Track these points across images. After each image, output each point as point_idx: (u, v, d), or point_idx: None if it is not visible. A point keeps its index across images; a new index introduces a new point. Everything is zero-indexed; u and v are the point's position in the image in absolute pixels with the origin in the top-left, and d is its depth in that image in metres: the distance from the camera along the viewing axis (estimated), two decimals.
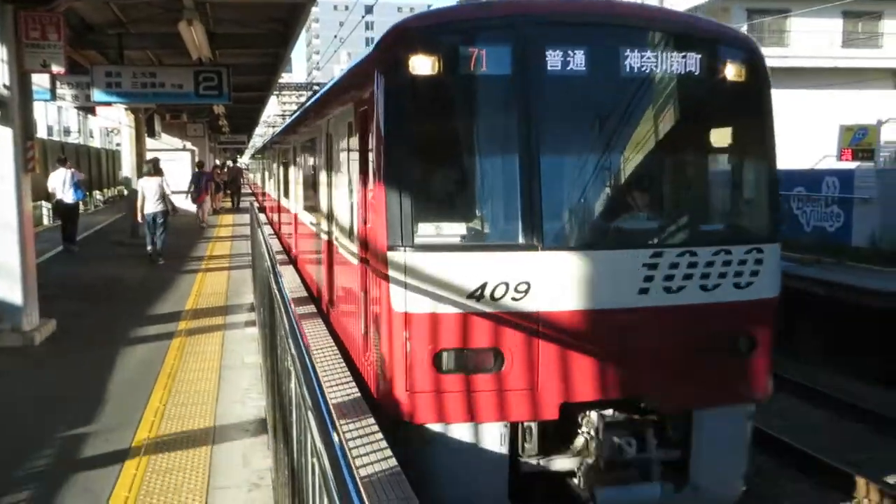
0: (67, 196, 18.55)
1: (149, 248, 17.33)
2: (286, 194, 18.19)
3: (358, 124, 7.34)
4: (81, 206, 22.21)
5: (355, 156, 7.56)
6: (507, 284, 5.91)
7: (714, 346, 6.41)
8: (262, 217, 14.51)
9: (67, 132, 53.99)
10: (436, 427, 6.08)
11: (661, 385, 6.31)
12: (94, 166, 39.14)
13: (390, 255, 6.00)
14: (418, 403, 6.07)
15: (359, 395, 7.52)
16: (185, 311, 11.95)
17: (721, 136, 7.11)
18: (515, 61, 6.14)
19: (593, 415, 6.20)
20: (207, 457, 6.14)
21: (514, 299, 5.93)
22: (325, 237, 10.25)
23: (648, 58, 6.29)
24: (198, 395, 7.72)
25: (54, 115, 51.03)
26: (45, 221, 25.21)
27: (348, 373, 8.62)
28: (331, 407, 2.02)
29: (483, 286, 5.90)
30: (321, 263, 10.78)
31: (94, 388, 7.92)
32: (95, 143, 55.18)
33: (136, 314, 11.65)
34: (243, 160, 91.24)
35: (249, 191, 49.65)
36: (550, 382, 6.05)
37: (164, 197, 17.10)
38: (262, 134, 75.71)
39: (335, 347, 9.77)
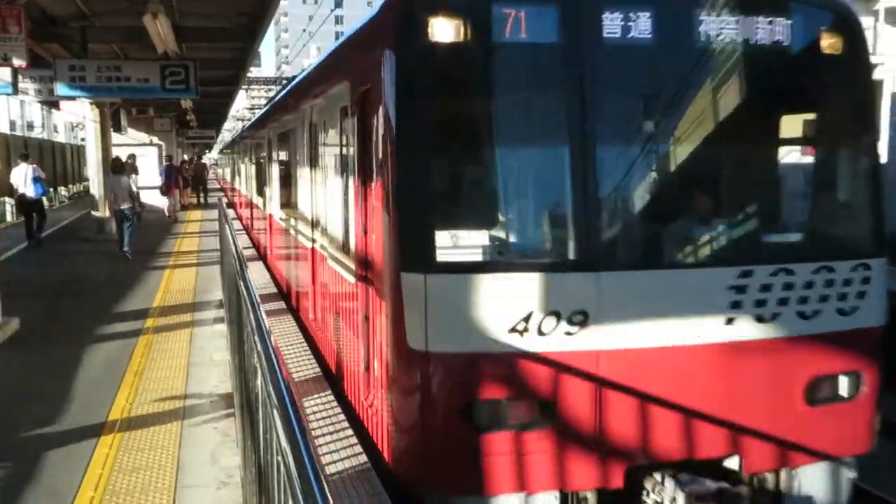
0: (29, 191, 18.39)
1: (120, 242, 17.26)
2: (259, 192, 16.82)
3: (356, 109, 6.07)
4: (46, 203, 21.91)
5: (350, 148, 6.34)
6: (557, 315, 4.71)
7: (814, 388, 5.20)
8: (231, 213, 14.30)
9: (31, 127, 53.18)
10: (467, 501, 4.89)
11: (751, 440, 5.05)
12: (59, 162, 38.53)
13: (405, 277, 4.76)
14: (444, 470, 4.87)
15: (332, 397, 7.50)
16: (153, 308, 11.81)
17: (817, 124, 5.81)
18: (563, 26, 4.91)
19: (668, 482, 4.88)
20: (175, 455, 6.07)
21: (567, 334, 4.72)
22: (307, 243, 9.08)
23: (729, 24, 5.06)
24: (165, 393, 7.63)
25: (17, 109, 50.18)
26: (9, 218, 24.79)
27: (319, 370, 8.58)
28: (296, 405, 1.99)
29: (527, 318, 4.68)
30: (302, 273, 9.52)
31: (58, 387, 7.80)
32: (60, 138, 54.34)
33: (103, 311, 11.49)
34: (212, 155, 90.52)
35: (217, 186, 49.29)
36: (613, 441, 4.84)
37: (132, 194, 17.11)
38: (230, 129, 75.12)
39: (305, 345, 9.72)
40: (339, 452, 6.31)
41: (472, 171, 5.29)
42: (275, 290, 14.05)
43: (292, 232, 10.76)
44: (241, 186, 25.43)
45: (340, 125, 6.83)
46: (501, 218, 5.14)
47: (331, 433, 6.60)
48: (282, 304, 12.62)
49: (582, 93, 4.89)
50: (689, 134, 5.31)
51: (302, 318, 9.72)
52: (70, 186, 40.91)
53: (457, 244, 4.96)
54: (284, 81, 29.90)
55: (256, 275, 15.23)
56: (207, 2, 14.37)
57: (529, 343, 4.71)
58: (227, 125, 67.23)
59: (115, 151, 21.80)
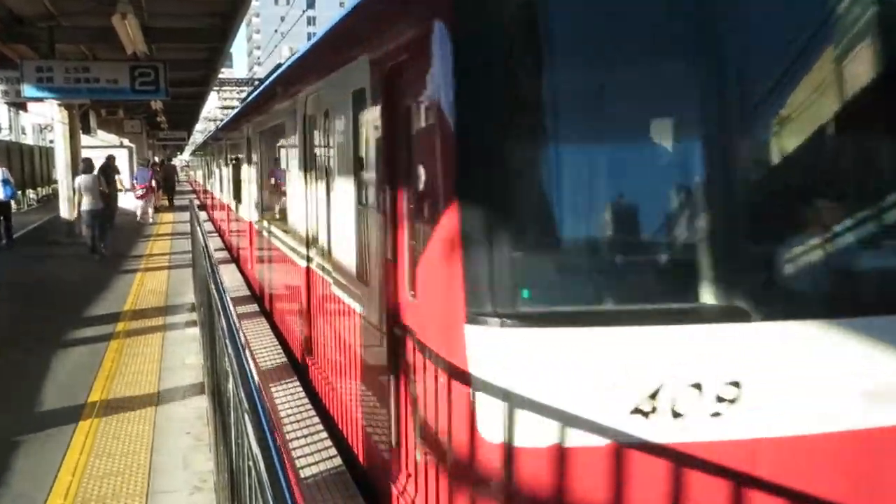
0: None
1: (90, 243, 17.31)
2: (237, 198, 15.82)
3: (380, 93, 4.63)
4: (14, 206, 21.76)
5: (368, 145, 5.03)
6: (699, 388, 3.20)
7: None
8: (203, 215, 14.05)
9: None
10: None
11: None
12: (27, 164, 37.97)
13: (471, 332, 3.26)
14: None
15: (306, 400, 7.45)
16: (124, 311, 11.67)
17: None
18: None
19: None
20: (147, 460, 6.00)
21: (713, 415, 3.22)
22: (300, 261, 7.82)
23: None
24: (137, 397, 7.54)
25: None
26: None
27: (294, 373, 8.53)
28: (268, 409, 1.97)
29: (655, 393, 3.18)
30: (291, 297, 8.16)
31: (27, 393, 7.68)
32: (28, 140, 53.60)
33: (73, 315, 11.34)
34: (183, 157, 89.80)
35: (189, 188, 48.88)
36: None
37: (101, 193, 17.22)
38: (202, 130, 74.59)
39: (279, 347, 9.66)
40: (314, 455, 6.28)
41: (567, 181, 3.48)
42: (246, 291, 13.96)
43: (279, 245, 9.37)
44: (216, 190, 24.92)
45: (353, 115, 5.35)
46: (612, 246, 3.53)
47: (305, 436, 6.57)
48: (254, 307, 12.54)
49: (718, 63, 3.41)
50: (875, 121, 3.64)
51: (295, 354, 8.46)
52: (39, 189, 40.34)
53: (548, 285, 3.42)
54: (256, 82, 29.69)
55: (228, 277, 15.12)
56: (177, 2, 14.23)
57: (659, 430, 3.20)
58: (198, 126, 66.75)
59: (85, 153, 21.59)
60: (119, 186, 24.87)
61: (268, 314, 11.48)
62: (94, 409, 7.20)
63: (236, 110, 19.02)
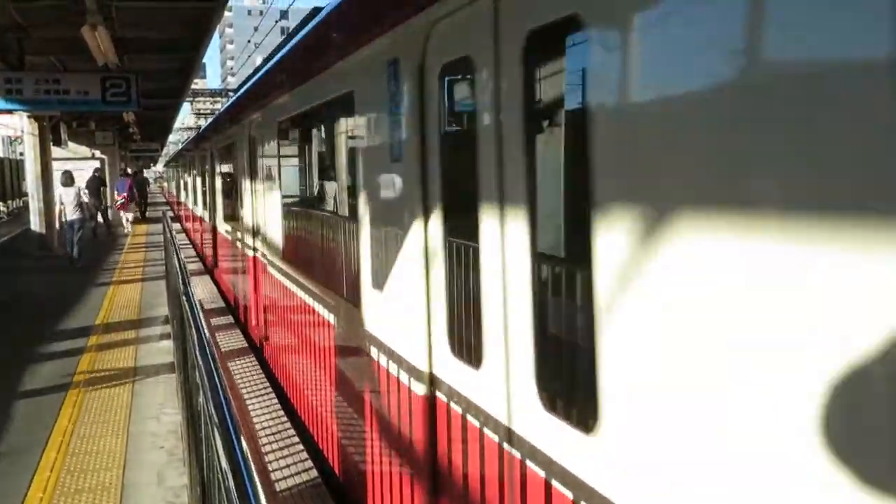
0: None
1: (69, 252, 17.95)
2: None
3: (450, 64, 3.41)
4: None
5: (430, 134, 3.64)
6: None
7: None
8: (177, 227, 13.89)
9: None
10: None
11: None
12: None
13: None
14: None
15: (281, 412, 7.38)
16: (97, 324, 11.52)
17: None
18: None
19: None
20: (120, 476, 5.91)
21: None
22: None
23: None
24: (110, 411, 7.44)
25: None
26: None
27: (268, 384, 8.46)
28: (237, 423, 1.94)
29: None
30: (300, 351, 7.22)
31: None
32: None
33: (45, 329, 11.16)
34: (157, 168, 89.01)
35: (163, 199, 48.46)
36: None
37: (81, 205, 18.16)
38: (175, 141, 74.04)
39: (255, 360, 9.59)
40: (290, 468, 6.23)
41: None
42: (221, 303, 13.86)
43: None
44: (187, 199, 25.07)
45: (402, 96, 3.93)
46: None
47: (281, 448, 6.52)
48: (229, 319, 12.45)
49: None
50: None
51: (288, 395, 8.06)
52: (9, 202, 39.82)
53: None
54: (230, 94, 29.53)
55: (201, 289, 15.01)
56: (148, 13, 14.12)
57: None
58: (172, 137, 66.25)
59: (56, 165, 21.45)
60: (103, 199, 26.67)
61: (235, 314, 11.72)
62: (64, 425, 7.08)
63: (202, 129, 20.83)
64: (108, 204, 27.43)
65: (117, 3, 12.70)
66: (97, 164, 30.46)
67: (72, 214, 17.81)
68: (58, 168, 21.41)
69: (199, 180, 19.94)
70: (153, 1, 12.54)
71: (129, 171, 40.00)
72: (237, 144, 11.30)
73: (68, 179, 18.35)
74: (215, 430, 2.08)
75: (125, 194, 27.28)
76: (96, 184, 26.72)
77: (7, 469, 6.11)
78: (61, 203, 18.07)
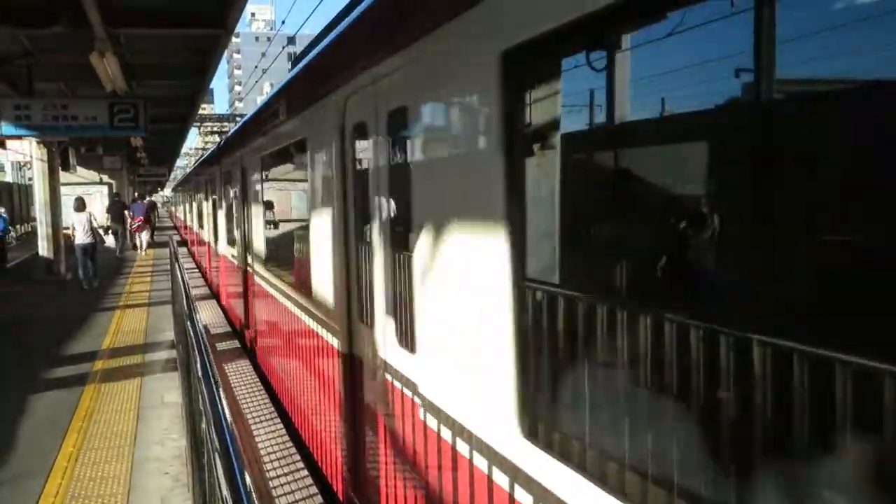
0: None
1: (80, 274, 18.65)
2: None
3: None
4: None
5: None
6: None
7: None
8: (184, 251, 13.92)
9: None
10: None
11: None
12: (6, 202, 37.73)
13: None
14: None
15: (286, 437, 7.36)
16: (103, 349, 11.53)
17: None
18: None
19: None
20: (125, 501, 5.89)
21: None
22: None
23: None
24: (115, 436, 7.42)
25: None
26: None
27: (273, 409, 8.44)
28: (239, 451, 1.93)
29: None
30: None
31: (1, 434, 7.54)
32: (8, 177, 53.29)
33: (52, 354, 11.18)
34: (164, 192, 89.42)
35: (170, 223, 48.60)
36: None
37: (93, 230, 18.74)
38: (183, 166, 74.45)
39: (260, 384, 9.58)
40: (294, 494, 6.21)
41: None
42: (227, 327, 13.86)
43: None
44: (192, 222, 25.49)
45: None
46: None
47: (286, 474, 6.49)
48: (235, 344, 12.45)
49: None
50: None
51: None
52: (18, 227, 40.01)
53: None
54: (238, 119, 29.92)
55: (207, 314, 14.98)
56: (156, 40, 14.23)
57: None
58: (179, 162, 66.61)
59: (64, 190, 21.65)
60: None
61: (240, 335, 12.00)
62: (69, 450, 7.07)
63: (203, 156, 22.16)
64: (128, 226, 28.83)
65: (126, 31, 12.81)
66: (105, 188, 30.69)
67: (83, 239, 18.52)
68: (66, 193, 21.73)
69: (202, 205, 20.34)
70: (161, 28, 12.63)
71: (136, 195, 40.30)
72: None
73: (80, 205, 19.05)
74: (217, 457, 2.07)
75: (141, 217, 28.70)
76: (118, 207, 28.26)
77: (11, 495, 6.10)
78: (73, 228, 18.74)
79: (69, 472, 6.53)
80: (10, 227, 28.76)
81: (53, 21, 11.42)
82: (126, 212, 28.45)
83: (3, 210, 27.43)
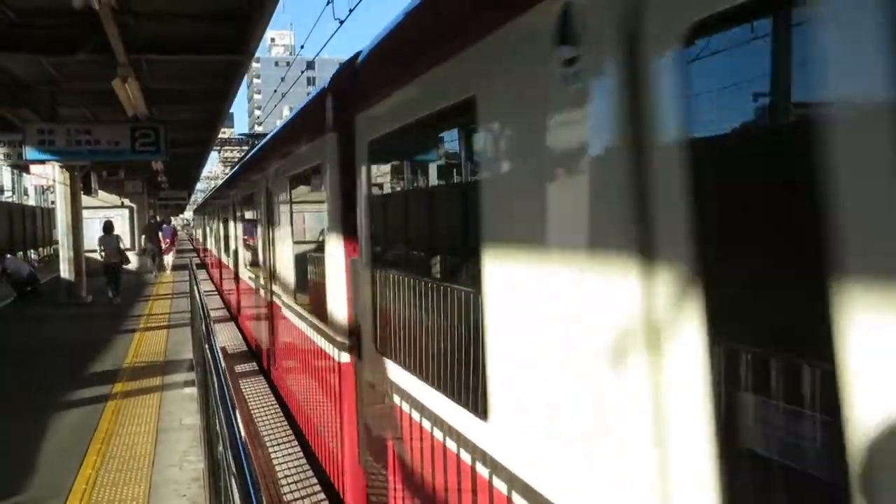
0: None
1: (109, 292, 20.34)
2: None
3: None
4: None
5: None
6: None
7: None
8: (203, 275, 13.88)
9: (1, 191, 52.73)
10: None
11: None
12: (29, 225, 38.17)
13: None
14: None
15: (304, 461, 7.35)
16: (122, 370, 11.60)
17: None
18: None
19: None
20: None
21: None
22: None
23: None
24: (133, 459, 7.45)
25: None
26: None
27: (290, 431, 8.44)
28: (255, 474, 1.95)
29: None
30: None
31: (20, 456, 7.59)
32: (31, 201, 53.95)
33: (71, 376, 11.25)
34: (185, 215, 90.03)
35: (191, 247, 48.94)
36: None
37: (119, 251, 20.79)
38: (203, 189, 75.05)
39: (278, 407, 9.59)
40: None
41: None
42: (244, 347, 13.90)
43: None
44: (210, 245, 25.90)
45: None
46: None
47: (302, 497, 6.49)
48: (253, 366, 12.47)
49: None
50: None
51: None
52: (40, 249, 40.45)
53: None
54: (256, 142, 30.45)
55: (225, 336, 15.04)
56: (178, 66, 14.46)
57: None
58: (199, 186, 67.19)
59: (86, 214, 22.01)
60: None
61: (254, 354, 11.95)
62: (88, 473, 7.10)
63: (223, 181, 22.69)
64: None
65: (147, 57, 13.03)
66: (126, 212, 31.08)
67: (109, 258, 20.39)
68: (87, 216, 22.28)
69: (222, 228, 20.56)
70: (183, 55, 12.84)
71: (158, 219, 40.81)
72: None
73: (109, 228, 21.09)
74: (232, 479, 2.09)
75: (168, 239, 31.50)
76: (155, 229, 30.85)
77: None
78: (102, 248, 20.61)
79: (87, 494, 6.56)
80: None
81: (77, 48, 11.63)
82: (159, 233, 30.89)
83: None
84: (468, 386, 3.20)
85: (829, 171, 1.50)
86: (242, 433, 2.32)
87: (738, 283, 1.90)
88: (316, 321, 6.74)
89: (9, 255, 23.61)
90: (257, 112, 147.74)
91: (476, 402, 3.13)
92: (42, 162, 19.10)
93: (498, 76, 2.89)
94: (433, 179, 4.26)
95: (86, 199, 23.76)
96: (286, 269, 9.15)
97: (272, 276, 10.19)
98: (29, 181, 53.35)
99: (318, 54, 22.83)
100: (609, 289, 2.19)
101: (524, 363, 2.70)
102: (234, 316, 17.78)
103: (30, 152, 14.91)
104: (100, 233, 21.30)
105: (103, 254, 20.54)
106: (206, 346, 4.25)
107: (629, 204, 2.09)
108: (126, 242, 26.17)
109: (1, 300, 21.16)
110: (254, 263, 12.43)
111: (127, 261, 22.60)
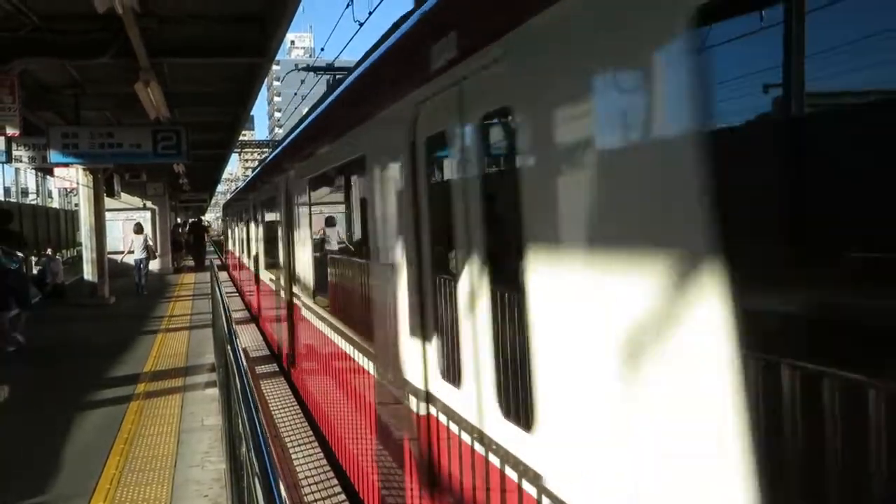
0: None
1: (137, 282, 23.74)
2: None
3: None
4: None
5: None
6: None
7: None
8: (224, 276, 13.92)
9: (25, 193, 53.29)
10: None
11: None
12: (53, 227, 38.58)
13: None
14: None
15: (325, 462, 7.37)
16: (144, 372, 11.70)
17: None
18: None
19: None
20: None
21: None
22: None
23: None
24: (155, 459, 7.51)
25: (12, 176, 50.37)
26: None
27: (312, 433, 8.47)
28: (277, 474, 1.96)
29: None
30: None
31: (45, 456, 7.68)
32: (55, 203, 54.49)
33: (94, 376, 11.37)
34: (206, 217, 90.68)
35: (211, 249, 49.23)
36: None
37: (147, 248, 24.44)
38: (223, 191, 75.55)
39: (298, 408, 9.62)
40: None
41: None
42: (266, 350, 13.94)
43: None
44: (236, 251, 26.10)
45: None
46: None
47: (324, 499, 6.51)
48: (273, 367, 12.52)
49: None
50: None
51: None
52: (64, 251, 40.85)
53: None
54: (274, 143, 30.75)
55: (247, 337, 15.11)
56: (199, 70, 14.56)
57: None
58: (220, 188, 67.60)
59: (109, 216, 22.46)
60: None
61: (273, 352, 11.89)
62: (111, 473, 7.17)
63: (244, 183, 23.52)
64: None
65: (169, 61, 13.13)
66: (147, 214, 31.33)
67: (140, 255, 24.02)
68: (110, 219, 23.01)
69: (243, 230, 20.81)
70: (204, 58, 12.93)
71: (178, 220, 41.27)
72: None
73: (139, 228, 24.87)
74: (256, 480, 2.11)
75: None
76: (199, 230, 34.57)
77: None
78: (132, 246, 24.25)
79: (111, 494, 6.63)
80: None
81: (101, 52, 11.75)
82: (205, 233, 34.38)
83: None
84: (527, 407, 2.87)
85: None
86: (266, 434, 2.34)
87: (830, 288, 1.64)
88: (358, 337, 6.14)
89: (54, 256, 24.44)
90: (277, 114, 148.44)
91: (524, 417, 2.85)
92: (66, 165, 19.31)
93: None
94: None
95: (108, 202, 24.02)
96: (319, 278, 8.63)
97: (301, 284, 9.84)
98: (52, 184, 53.88)
99: (337, 56, 22.91)
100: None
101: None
102: (254, 317, 17.85)
103: (54, 155, 15.07)
104: (122, 234, 26.60)
105: (133, 249, 24.13)
106: (228, 348, 4.28)
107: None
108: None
109: None
110: (277, 265, 12.40)
111: (154, 256, 26.27)
